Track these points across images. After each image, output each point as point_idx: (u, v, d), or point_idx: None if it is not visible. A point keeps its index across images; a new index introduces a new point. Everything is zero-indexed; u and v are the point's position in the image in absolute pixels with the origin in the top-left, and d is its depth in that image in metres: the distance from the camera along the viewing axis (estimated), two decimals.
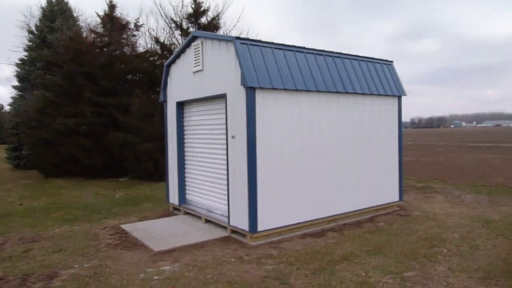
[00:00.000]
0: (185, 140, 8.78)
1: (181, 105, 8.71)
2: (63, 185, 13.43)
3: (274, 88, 6.50)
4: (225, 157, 7.01)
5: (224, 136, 7.07)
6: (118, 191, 12.01)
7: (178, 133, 8.77)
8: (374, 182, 8.22)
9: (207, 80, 7.44)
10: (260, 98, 6.37)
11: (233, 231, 6.82)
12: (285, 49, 6.99)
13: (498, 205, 9.11)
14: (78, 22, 21.26)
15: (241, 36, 7.98)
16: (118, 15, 17.45)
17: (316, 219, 7.15)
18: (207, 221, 7.64)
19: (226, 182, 7.02)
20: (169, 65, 8.89)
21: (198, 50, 7.59)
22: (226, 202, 7.01)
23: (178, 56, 8.48)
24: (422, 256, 5.66)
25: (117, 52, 16.16)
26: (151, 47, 18.33)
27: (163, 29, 26.07)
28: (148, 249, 6.17)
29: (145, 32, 23.82)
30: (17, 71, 19.49)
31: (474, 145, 35.04)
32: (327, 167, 7.35)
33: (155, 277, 5.00)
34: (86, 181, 14.13)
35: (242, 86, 6.31)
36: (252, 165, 6.31)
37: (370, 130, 8.14)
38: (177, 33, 17.63)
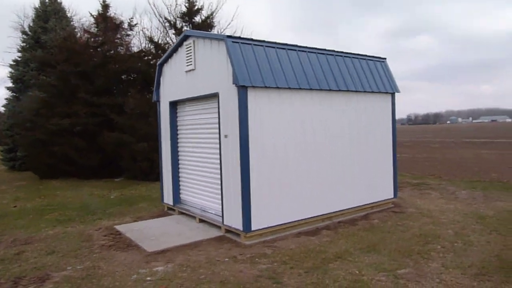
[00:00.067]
0: (179, 140, 8.74)
1: (174, 105, 8.67)
2: (58, 186, 13.36)
3: (266, 87, 6.48)
4: (218, 156, 6.98)
5: (217, 136, 7.04)
6: (113, 191, 11.95)
7: (171, 133, 8.73)
8: (370, 181, 8.21)
9: (200, 79, 7.41)
10: (252, 96, 6.34)
11: (228, 231, 6.80)
12: (277, 47, 6.96)
13: (492, 200, 9.14)
14: (72, 22, 21.10)
15: (235, 34, 7.95)
16: (112, 14, 17.37)
17: (311, 217, 7.13)
18: (201, 220, 7.62)
19: (219, 181, 6.99)
20: (161, 65, 8.84)
21: (190, 49, 7.55)
22: (220, 202, 6.99)
23: (170, 55, 8.43)
24: (415, 253, 5.66)
25: (111, 52, 16.08)
26: (145, 46, 18.24)
27: (157, 29, 25.90)
28: (141, 249, 6.14)
29: (139, 32, 23.79)
30: (11, 72, 19.34)
31: (470, 141, 35.16)
32: (320, 165, 7.32)
33: (148, 278, 4.98)
34: (81, 182, 14.06)
35: (234, 85, 6.28)
36: (245, 164, 6.29)
37: (364, 127, 8.13)
38: (171, 32, 17.54)
